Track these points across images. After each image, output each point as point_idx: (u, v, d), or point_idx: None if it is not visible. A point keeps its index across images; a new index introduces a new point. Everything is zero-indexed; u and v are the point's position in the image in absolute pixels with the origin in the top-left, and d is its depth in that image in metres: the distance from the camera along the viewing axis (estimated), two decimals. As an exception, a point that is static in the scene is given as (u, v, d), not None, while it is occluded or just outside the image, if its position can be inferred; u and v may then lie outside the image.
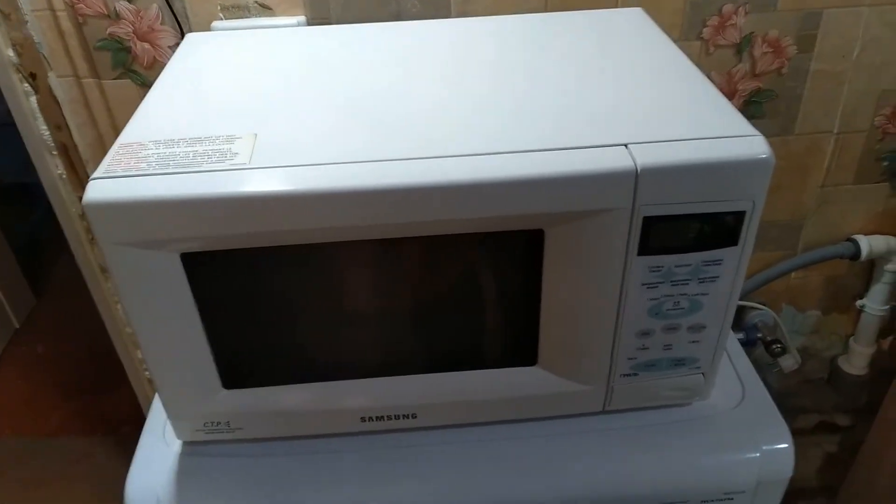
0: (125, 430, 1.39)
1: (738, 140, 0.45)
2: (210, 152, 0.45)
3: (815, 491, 1.15)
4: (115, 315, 0.92)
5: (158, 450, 0.56)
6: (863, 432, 1.01)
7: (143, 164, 0.44)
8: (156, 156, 0.45)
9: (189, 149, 0.46)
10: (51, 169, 0.79)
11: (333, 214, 0.44)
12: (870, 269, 0.93)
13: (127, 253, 0.44)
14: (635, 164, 0.44)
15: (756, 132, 0.46)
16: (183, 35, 0.70)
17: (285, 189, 0.43)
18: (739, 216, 0.46)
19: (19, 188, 1.89)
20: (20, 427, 1.46)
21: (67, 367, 1.58)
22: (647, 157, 0.44)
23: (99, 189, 0.43)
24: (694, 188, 0.45)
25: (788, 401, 1.04)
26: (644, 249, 0.47)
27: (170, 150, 0.46)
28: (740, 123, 0.47)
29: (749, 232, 0.47)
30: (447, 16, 0.71)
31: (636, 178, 0.44)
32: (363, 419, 0.54)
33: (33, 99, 0.75)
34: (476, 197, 0.44)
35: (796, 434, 0.56)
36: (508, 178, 0.43)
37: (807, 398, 1.06)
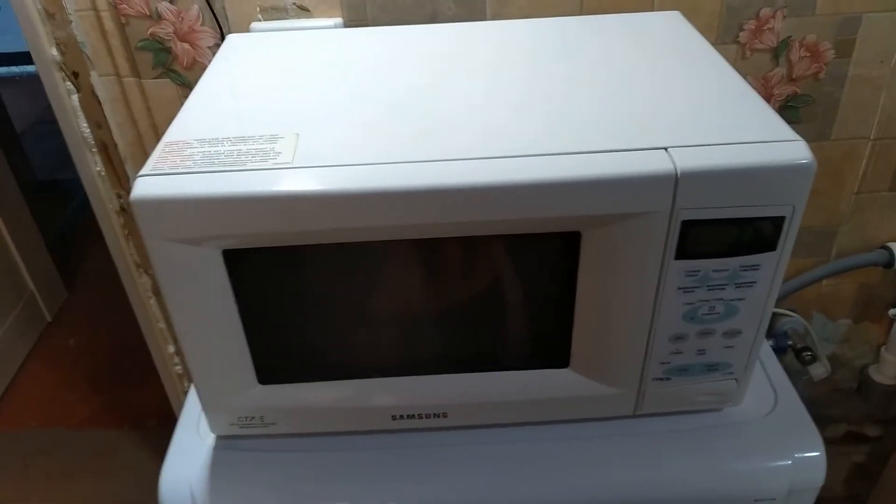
0: (152, 424, 1.41)
1: (779, 145, 0.45)
2: (254, 151, 0.46)
3: (843, 501, 1.14)
4: (147, 310, 0.93)
5: (192, 443, 0.57)
6: (892, 443, 1.00)
7: (189, 162, 0.45)
8: (201, 154, 0.46)
9: (233, 147, 0.47)
10: (90, 166, 0.81)
11: (372, 214, 0.44)
12: (904, 277, 0.92)
13: (171, 248, 0.45)
14: (675, 168, 0.44)
15: (797, 137, 0.46)
16: (223, 36, 0.72)
17: (328, 189, 0.43)
18: (779, 222, 0.46)
19: (53, 184, 1.93)
20: (49, 419, 1.48)
21: (97, 360, 1.61)
22: (688, 160, 0.44)
23: (146, 186, 0.44)
24: (734, 193, 0.45)
25: (817, 410, 1.03)
26: (681, 254, 0.47)
27: (214, 148, 0.47)
28: (781, 128, 0.47)
29: (788, 237, 0.47)
30: (483, 18, 0.72)
31: (676, 182, 0.44)
32: (394, 417, 0.55)
33: (75, 97, 0.77)
34: (515, 198, 0.44)
35: (824, 443, 0.55)
36: (547, 179, 0.44)
37: (836, 407, 1.04)
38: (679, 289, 0.49)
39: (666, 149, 0.45)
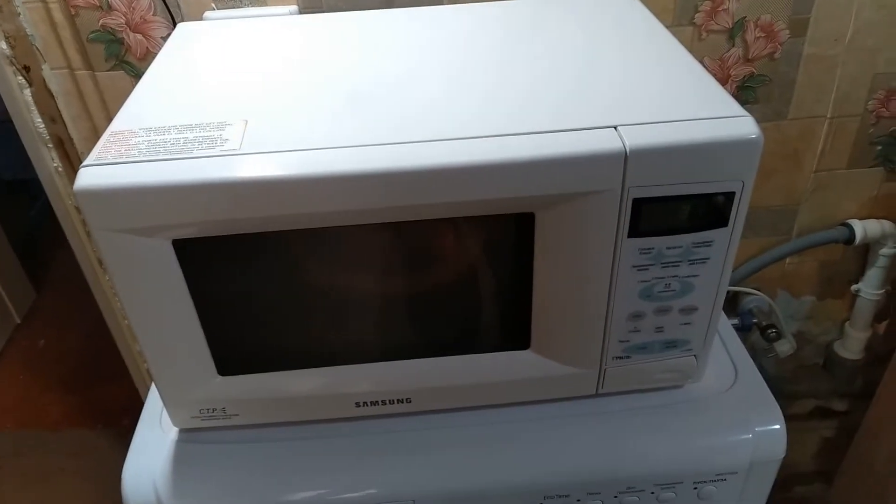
0: (126, 423, 1.39)
1: (727, 121, 0.46)
2: (200, 139, 0.45)
3: (812, 476, 1.16)
4: (114, 308, 0.92)
5: (155, 437, 0.57)
6: (859, 417, 1.01)
7: (134, 151, 0.45)
8: (146, 143, 0.45)
9: (179, 135, 0.46)
10: (47, 162, 0.79)
11: (322, 199, 0.44)
12: (864, 253, 0.93)
13: (119, 240, 0.45)
14: (624, 146, 0.44)
15: (745, 113, 0.46)
16: (175, 25, 0.70)
17: (275, 174, 0.43)
18: (729, 197, 0.46)
19: (18, 184, 1.89)
20: (21, 420, 1.46)
21: (68, 360, 1.59)
22: (637, 138, 0.44)
23: (90, 176, 0.43)
24: (683, 169, 0.45)
25: (784, 386, 1.05)
26: (634, 231, 0.47)
27: (160, 136, 0.46)
28: (729, 104, 0.47)
29: (739, 213, 0.47)
30: (439, 2, 0.71)
31: (625, 160, 0.44)
32: (358, 404, 0.55)
33: (27, 92, 0.75)
34: (467, 180, 0.44)
35: (792, 419, 0.56)
36: (499, 160, 0.44)
37: (803, 383, 1.06)
38: (634, 267, 0.49)
39: (615, 127, 0.45)
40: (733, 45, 0.76)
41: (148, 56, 0.73)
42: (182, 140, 0.45)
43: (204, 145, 0.45)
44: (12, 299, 1.67)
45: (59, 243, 0.93)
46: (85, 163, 0.44)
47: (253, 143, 0.45)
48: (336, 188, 0.43)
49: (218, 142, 0.45)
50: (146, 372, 0.99)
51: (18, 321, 1.70)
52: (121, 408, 1.41)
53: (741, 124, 0.45)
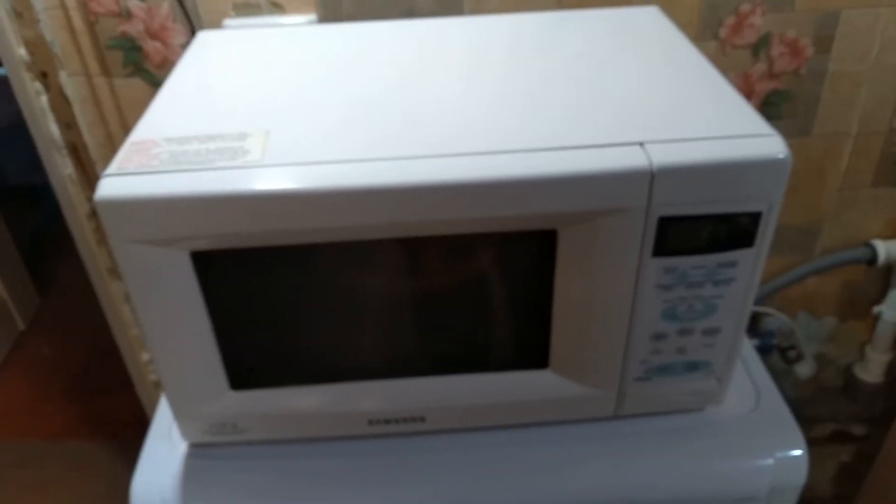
0: (129, 434, 1.38)
1: (755, 140, 0.45)
2: (222, 150, 0.45)
3: (830, 501, 1.13)
4: (120, 316, 0.92)
5: (164, 450, 0.56)
6: (878, 442, 0.99)
7: (156, 162, 0.44)
8: (168, 153, 0.45)
9: (201, 146, 0.45)
10: (60, 169, 0.79)
11: (344, 213, 0.43)
12: (887, 274, 0.92)
13: (137, 250, 0.44)
14: (651, 164, 0.43)
15: (773, 132, 0.45)
16: (194, 33, 0.70)
17: (297, 187, 0.42)
18: (755, 217, 0.45)
19: (25, 189, 1.89)
20: (24, 430, 1.45)
21: (72, 369, 1.58)
22: (663, 156, 0.43)
23: (111, 186, 0.43)
24: (710, 188, 0.44)
25: (803, 409, 1.03)
26: (659, 250, 0.46)
27: (182, 147, 0.45)
28: (757, 123, 0.46)
29: (765, 234, 0.46)
30: (460, 13, 0.71)
31: (651, 178, 0.43)
32: (371, 422, 0.54)
33: (44, 98, 0.75)
34: (490, 196, 0.43)
35: (811, 443, 0.55)
36: (522, 176, 0.43)
37: (822, 406, 1.04)
38: (657, 286, 0.48)
39: (641, 144, 0.44)
40: (758, 61, 0.75)
41: (165, 64, 0.72)
42: (203, 151, 0.45)
43: (226, 156, 0.44)
44: (17, 305, 1.66)
45: (65, 250, 0.92)
46: (106, 172, 0.43)
47: (275, 154, 0.44)
48: (356, 202, 0.43)
49: (240, 153, 0.44)
50: (151, 382, 0.98)
51: (23, 328, 1.69)
52: (124, 419, 1.40)
53: (769, 144, 0.44)
